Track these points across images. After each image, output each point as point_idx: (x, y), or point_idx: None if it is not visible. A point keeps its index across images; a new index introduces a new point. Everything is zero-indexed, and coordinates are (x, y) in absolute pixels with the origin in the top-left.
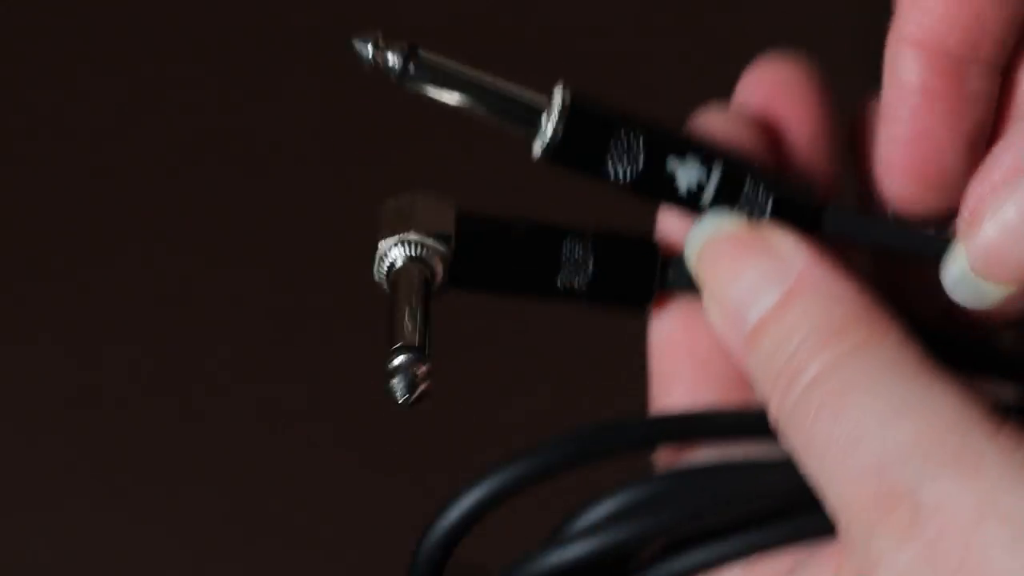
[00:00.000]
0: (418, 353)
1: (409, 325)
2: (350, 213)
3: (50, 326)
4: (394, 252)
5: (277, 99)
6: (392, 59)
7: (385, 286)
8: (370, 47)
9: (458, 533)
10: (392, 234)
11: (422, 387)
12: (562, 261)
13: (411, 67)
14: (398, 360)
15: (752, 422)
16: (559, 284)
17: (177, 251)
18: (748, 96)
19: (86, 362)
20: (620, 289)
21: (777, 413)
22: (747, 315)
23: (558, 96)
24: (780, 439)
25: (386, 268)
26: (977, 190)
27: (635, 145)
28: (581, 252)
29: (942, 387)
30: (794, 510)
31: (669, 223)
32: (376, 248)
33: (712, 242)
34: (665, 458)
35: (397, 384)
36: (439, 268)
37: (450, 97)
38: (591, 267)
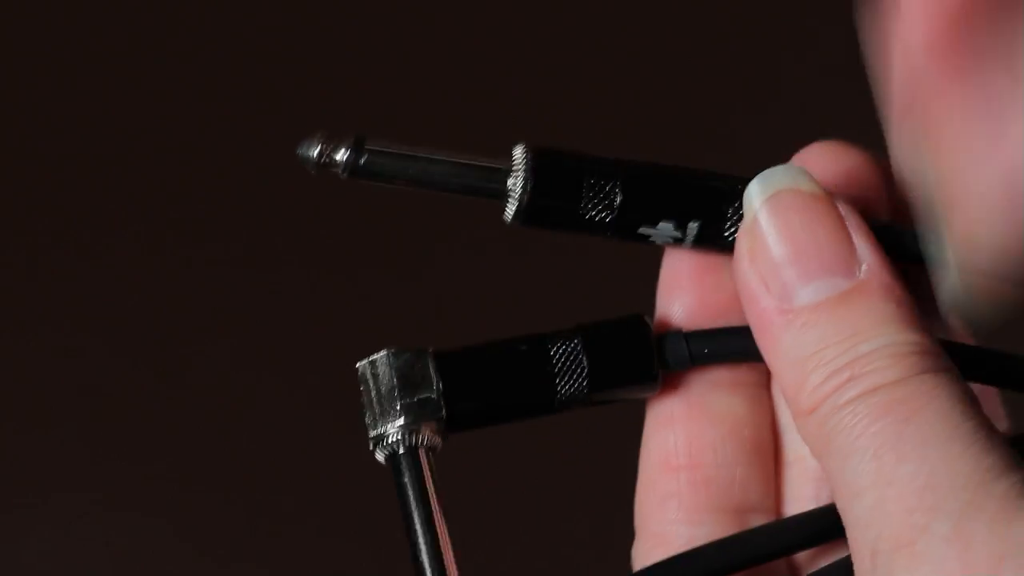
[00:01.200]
0: None
1: (432, 561)
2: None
3: (50, 326)
4: (388, 443)
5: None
6: (340, 155)
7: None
8: (316, 149)
9: None
10: (377, 423)
11: None
12: (555, 369)
13: (361, 159)
14: None
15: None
16: (559, 394)
17: (180, 250)
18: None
19: (86, 362)
20: (622, 376)
21: (818, 403)
22: (801, 288)
23: (519, 154)
24: (802, 427)
25: (383, 458)
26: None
27: (608, 192)
28: (572, 353)
29: (996, 435)
30: None
31: (673, 268)
32: (368, 435)
33: (789, 193)
34: None
35: None
36: (436, 434)
37: (406, 181)
38: (586, 364)
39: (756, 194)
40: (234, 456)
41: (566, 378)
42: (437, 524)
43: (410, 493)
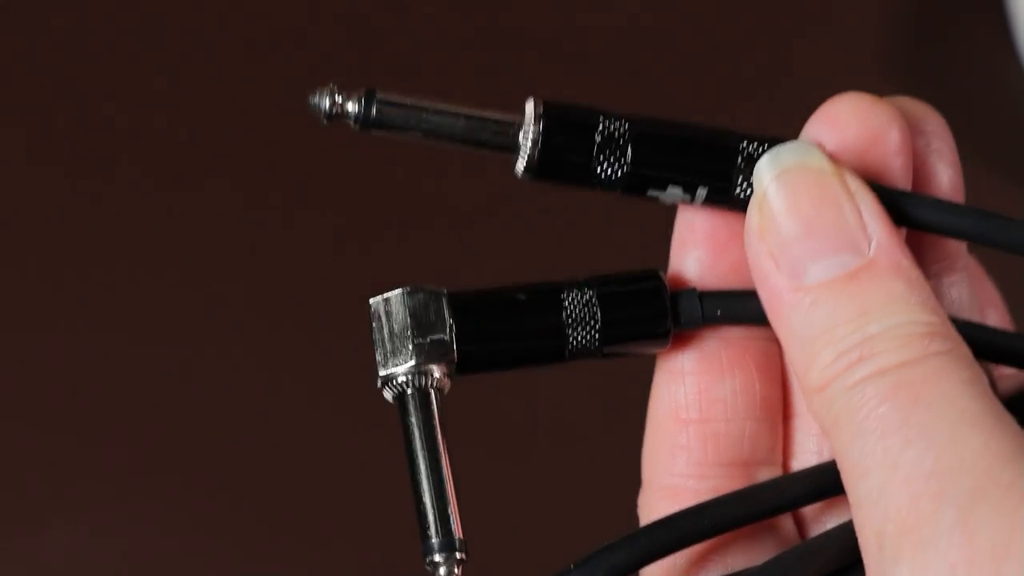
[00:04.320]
0: (454, 546)
1: (437, 513)
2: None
3: (52, 326)
4: (397, 383)
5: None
6: (352, 107)
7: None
8: (327, 100)
9: None
10: (388, 362)
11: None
12: (567, 319)
13: (372, 111)
14: (438, 558)
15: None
16: (570, 344)
17: (183, 248)
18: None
19: (87, 361)
20: (634, 331)
21: (827, 381)
22: (811, 266)
23: (530, 108)
24: (811, 403)
25: (391, 397)
26: None
27: (618, 148)
28: (585, 304)
29: (1007, 419)
30: None
31: (686, 224)
32: (376, 374)
33: (798, 170)
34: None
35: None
36: (445, 375)
37: (418, 133)
38: (599, 316)
39: (766, 171)
40: (255, 453)
41: (578, 329)
42: (443, 466)
43: (416, 433)
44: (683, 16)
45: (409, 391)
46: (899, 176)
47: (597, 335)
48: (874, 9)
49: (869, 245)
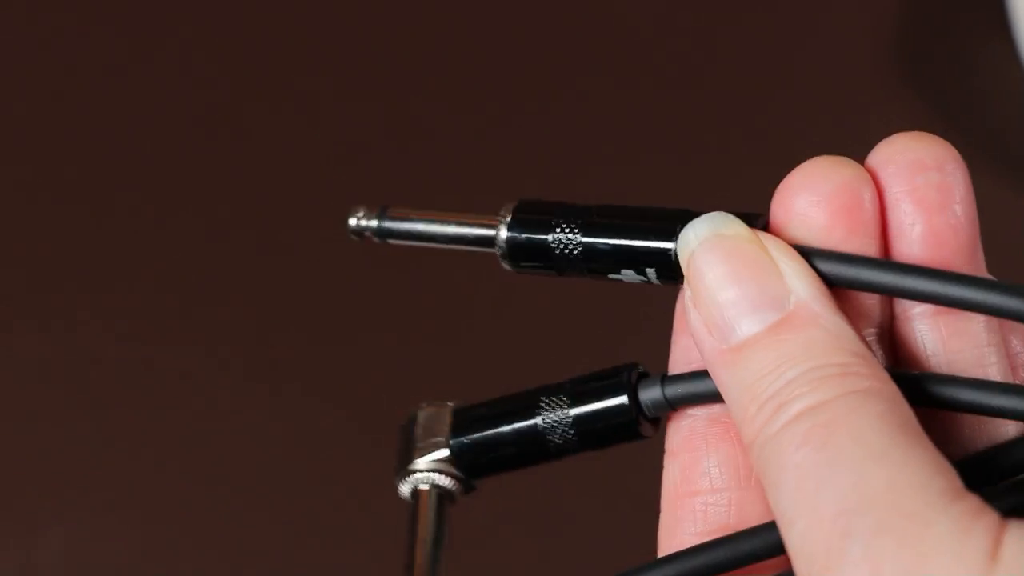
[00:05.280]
0: None
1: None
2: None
3: (52, 326)
4: (411, 481)
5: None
6: (370, 223)
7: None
8: (354, 219)
9: None
10: (398, 467)
11: None
12: (546, 426)
13: (386, 223)
14: None
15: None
16: (551, 446)
17: (185, 246)
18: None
19: (86, 362)
20: (606, 429)
21: (755, 435)
22: (736, 327)
23: (505, 210)
24: (749, 456)
25: (408, 494)
26: None
27: (573, 234)
28: (559, 408)
29: (919, 451)
30: None
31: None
32: (396, 477)
33: (713, 239)
34: None
35: None
36: (456, 482)
37: (424, 241)
38: (571, 419)
39: (684, 245)
40: (254, 457)
41: (557, 433)
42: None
43: (418, 531)
44: (684, 16)
45: (419, 488)
46: (869, 232)
47: (574, 438)
48: (874, 9)
49: (789, 300)
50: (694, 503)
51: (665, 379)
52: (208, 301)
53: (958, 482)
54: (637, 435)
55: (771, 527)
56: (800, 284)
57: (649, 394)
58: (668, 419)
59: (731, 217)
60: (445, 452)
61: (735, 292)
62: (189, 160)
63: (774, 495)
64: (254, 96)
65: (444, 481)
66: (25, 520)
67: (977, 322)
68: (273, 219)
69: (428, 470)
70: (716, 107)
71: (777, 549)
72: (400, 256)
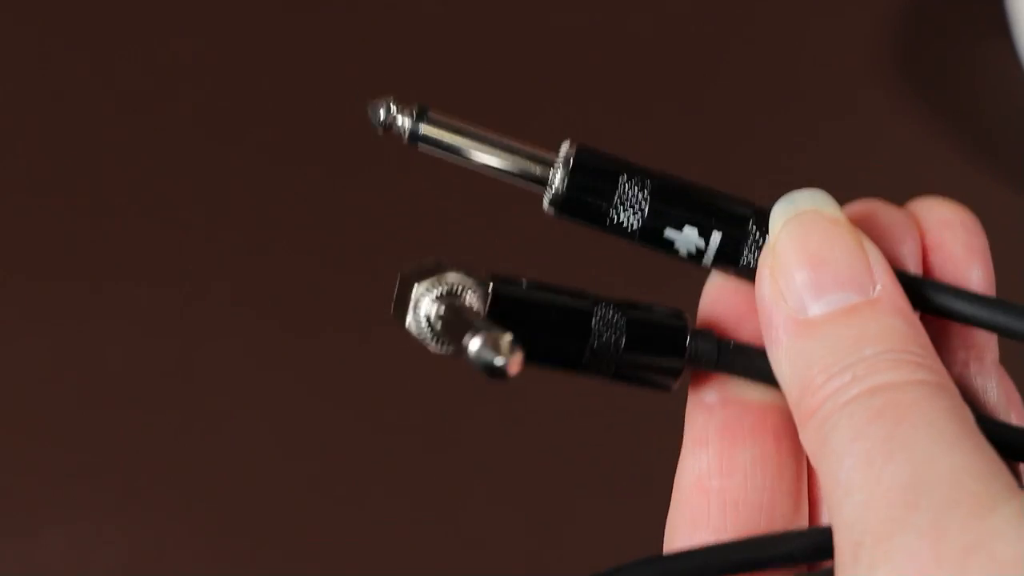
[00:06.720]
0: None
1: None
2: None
3: (53, 326)
4: (433, 295)
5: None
6: (403, 121)
7: (420, 332)
8: (382, 111)
9: None
10: (425, 280)
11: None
12: (594, 325)
13: (421, 128)
14: (479, 340)
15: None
16: (592, 344)
17: (183, 249)
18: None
19: (84, 363)
20: (652, 353)
21: (819, 404)
22: (817, 299)
23: (564, 149)
24: (803, 434)
25: (423, 316)
26: None
27: (640, 195)
28: (613, 316)
29: (985, 448)
30: None
31: (715, 290)
32: (408, 297)
33: (813, 213)
34: None
35: (488, 360)
36: (480, 292)
37: (460, 157)
38: (623, 328)
39: (779, 214)
40: (253, 459)
41: (602, 336)
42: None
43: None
44: (683, 17)
45: (447, 294)
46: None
47: (617, 348)
48: (874, 9)
49: (874, 288)
50: (724, 498)
51: (721, 341)
52: (208, 301)
53: (1015, 482)
54: (678, 371)
55: (818, 531)
56: (886, 277)
57: (703, 343)
58: (693, 409)
59: (831, 199)
60: (488, 287)
61: (823, 267)
62: (189, 160)
63: (834, 465)
64: (254, 96)
65: (473, 293)
66: (25, 520)
67: (987, 380)
68: (273, 219)
69: (464, 285)
70: (716, 107)
71: (815, 554)
72: (402, 253)
